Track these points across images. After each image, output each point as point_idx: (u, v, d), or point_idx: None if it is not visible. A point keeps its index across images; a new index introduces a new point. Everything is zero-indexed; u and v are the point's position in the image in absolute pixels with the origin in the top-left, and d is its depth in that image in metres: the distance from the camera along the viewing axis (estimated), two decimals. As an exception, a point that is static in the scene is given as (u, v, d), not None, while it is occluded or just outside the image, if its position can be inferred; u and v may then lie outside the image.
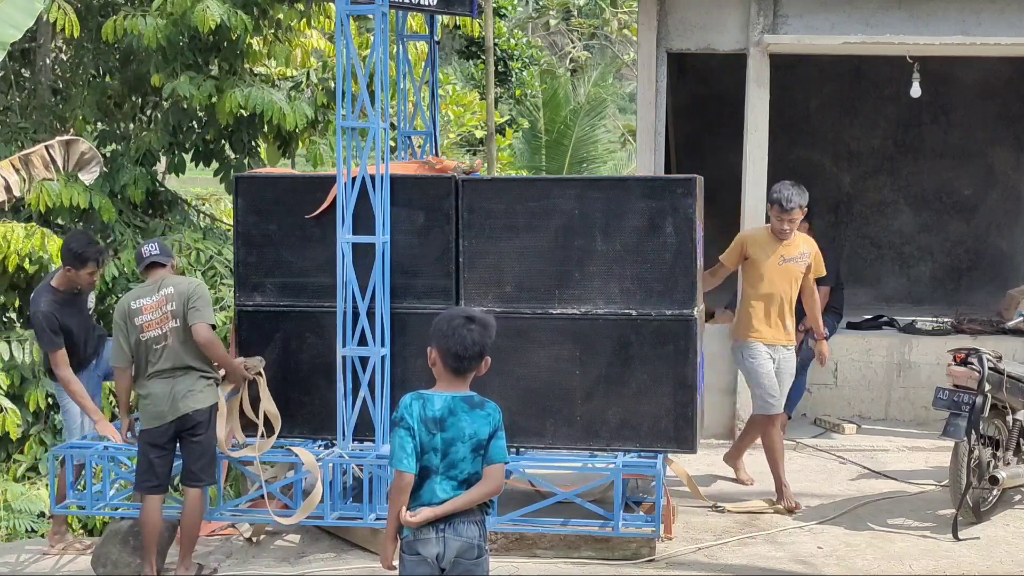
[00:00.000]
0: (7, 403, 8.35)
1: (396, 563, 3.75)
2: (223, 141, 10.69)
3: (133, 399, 5.89)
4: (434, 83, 6.91)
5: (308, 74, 10.97)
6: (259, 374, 5.88)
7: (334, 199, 5.82)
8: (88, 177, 7.38)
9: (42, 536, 8.47)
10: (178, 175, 10.95)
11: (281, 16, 10.43)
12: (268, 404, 5.88)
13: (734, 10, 7.75)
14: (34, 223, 8.79)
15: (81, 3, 9.84)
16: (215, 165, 10.89)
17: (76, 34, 9.52)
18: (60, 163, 6.69)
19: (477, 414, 3.70)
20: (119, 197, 9.93)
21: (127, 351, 5.56)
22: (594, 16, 25.08)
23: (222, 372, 5.81)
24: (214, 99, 9.69)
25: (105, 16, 10.48)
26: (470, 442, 3.67)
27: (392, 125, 6.49)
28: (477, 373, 3.79)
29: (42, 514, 8.56)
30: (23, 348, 8.68)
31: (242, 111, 9.81)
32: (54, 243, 8.56)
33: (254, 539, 6.21)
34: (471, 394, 3.75)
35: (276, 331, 6.02)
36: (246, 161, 10.64)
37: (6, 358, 8.57)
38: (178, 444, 5.63)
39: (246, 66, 10.35)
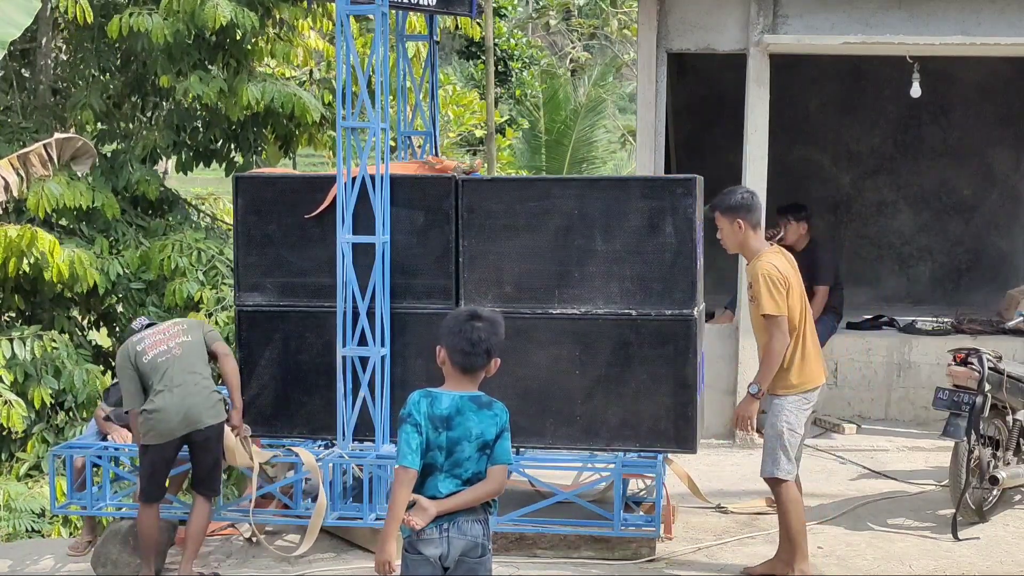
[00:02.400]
0: (11, 396, 8.35)
1: (397, 563, 3.69)
2: (228, 141, 10.70)
3: None
4: (434, 83, 6.91)
5: (311, 72, 10.99)
6: (246, 439, 5.87)
7: (334, 199, 5.82)
8: (81, 168, 7.39)
9: (42, 536, 8.48)
10: (186, 173, 10.96)
11: (285, 15, 10.44)
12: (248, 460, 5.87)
13: (734, 10, 7.75)
14: (28, 225, 8.80)
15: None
16: (216, 165, 10.91)
17: (90, 19, 9.49)
18: (56, 159, 6.69)
19: (484, 414, 3.70)
20: (120, 196, 9.94)
21: (140, 390, 5.50)
22: (594, 16, 25.09)
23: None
24: (222, 99, 9.69)
25: (107, 15, 10.50)
26: (476, 442, 3.67)
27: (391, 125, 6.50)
28: (487, 374, 3.79)
29: (43, 513, 8.57)
30: (24, 345, 8.69)
31: (252, 108, 9.81)
32: (45, 241, 8.55)
33: (254, 539, 6.20)
34: (479, 394, 3.75)
35: (276, 331, 6.03)
36: (253, 159, 10.66)
37: (8, 356, 8.58)
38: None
39: (253, 64, 10.36)
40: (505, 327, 5.63)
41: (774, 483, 5.24)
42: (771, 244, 5.32)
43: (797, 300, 5.21)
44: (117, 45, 10.11)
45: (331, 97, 10.40)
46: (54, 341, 8.90)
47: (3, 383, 8.41)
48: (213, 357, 5.72)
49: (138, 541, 5.73)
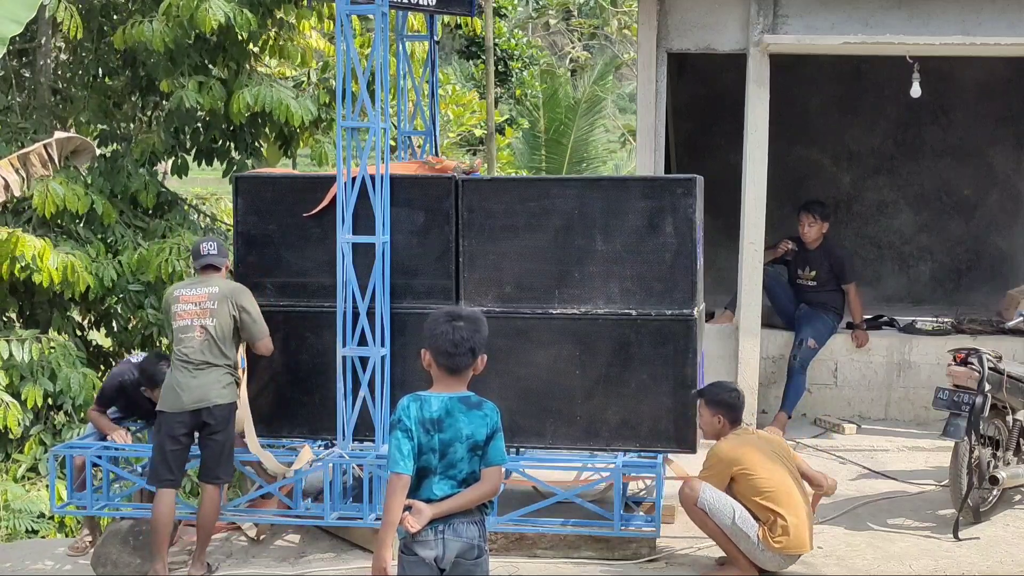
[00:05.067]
0: (8, 398, 8.35)
1: (392, 566, 3.69)
2: (227, 142, 10.70)
3: None
4: (434, 83, 6.91)
5: (309, 73, 10.98)
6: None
7: (333, 198, 5.82)
8: (80, 162, 7.41)
9: (42, 536, 8.48)
10: (181, 176, 10.97)
11: (288, 17, 10.43)
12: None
13: (734, 10, 7.74)
14: (16, 228, 8.79)
15: (83, 4, 9.84)
16: (218, 165, 10.91)
17: (80, 35, 9.53)
18: (57, 159, 6.70)
19: (474, 415, 3.69)
20: (119, 198, 9.94)
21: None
22: (594, 16, 25.11)
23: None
24: (220, 102, 9.68)
25: (106, 16, 10.49)
26: (467, 442, 3.66)
27: (392, 125, 6.49)
28: (474, 372, 3.78)
29: (42, 515, 8.57)
30: (22, 347, 8.69)
31: (246, 111, 9.81)
32: (28, 247, 8.53)
33: (259, 537, 6.19)
34: (468, 394, 3.74)
35: (276, 331, 6.01)
36: (249, 162, 10.66)
37: (5, 356, 8.57)
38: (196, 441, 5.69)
39: (253, 65, 10.35)
40: (505, 327, 5.64)
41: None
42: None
43: (763, 470, 5.27)
44: (117, 47, 10.11)
45: (327, 98, 10.39)
46: (52, 345, 8.90)
47: None
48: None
49: (138, 541, 5.74)
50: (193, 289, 5.67)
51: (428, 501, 3.66)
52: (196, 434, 5.65)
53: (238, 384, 5.76)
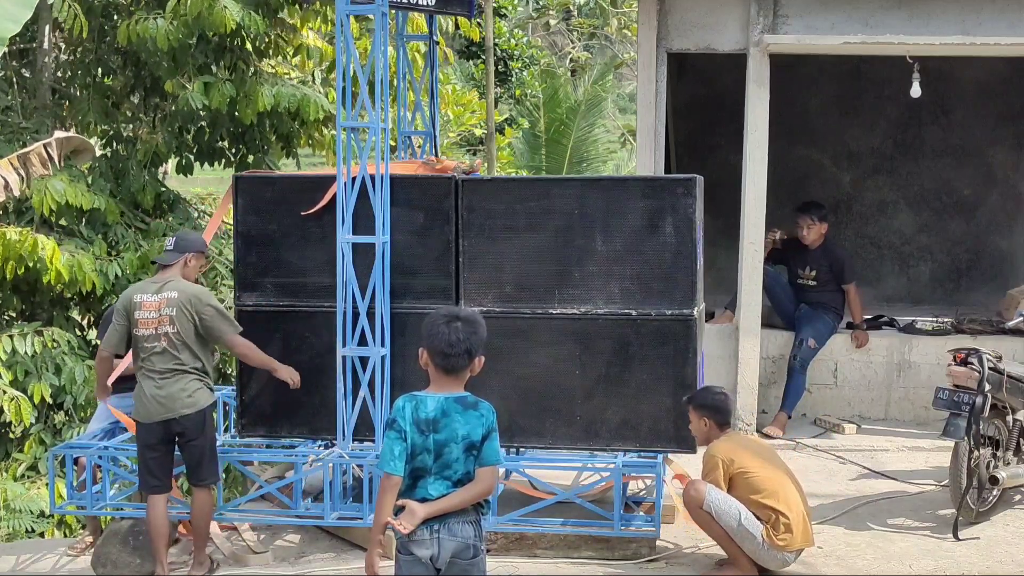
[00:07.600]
0: (16, 392, 8.37)
1: (382, 566, 3.71)
2: (235, 142, 10.70)
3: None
4: (434, 83, 6.91)
5: (314, 72, 10.99)
6: None
7: (332, 197, 5.82)
8: (80, 162, 7.44)
9: (42, 536, 8.48)
10: (187, 175, 10.98)
11: (292, 18, 10.42)
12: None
13: (734, 10, 7.75)
14: (27, 228, 8.79)
15: (83, 3, 9.83)
16: (217, 165, 10.90)
17: (84, 34, 9.53)
18: (57, 158, 6.70)
19: (471, 415, 3.69)
20: (118, 199, 9.94)
21: (115, 339, 5.61)
22: (594, 16, 25.12)
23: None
24: (227, 103, 9.67)
25: (107, 16, 10.48)
26: (463, 443, 3.66)
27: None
28: (471, 372, 3.78)
29: (42, 514, 8.57)
30: (25, 341, 8.69)
31: (264, 110, 9.81)
32: (47, 247, 8.54)
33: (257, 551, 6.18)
34: (465, 394, 3.74)
35: (276, 331, 6.03)
36: (263, 159, 10.67)
37: (8, 350, 8.58)
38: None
39: (258, 66, 10.36)
40: (505, 327, 5.64)
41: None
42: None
43: (760, 468, 5.29)
44: (118, 46, 10.10)
45: (334, 95, 10.40)
46: (55, 339, 8.90)
47: (2, 380, 8.40)
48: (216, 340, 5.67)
49: (138, 541, 5.74)
50: (152, 295, 5.51)
51: (423, 501, 3.65)
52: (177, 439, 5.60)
53: (210, 389, 5.66)
